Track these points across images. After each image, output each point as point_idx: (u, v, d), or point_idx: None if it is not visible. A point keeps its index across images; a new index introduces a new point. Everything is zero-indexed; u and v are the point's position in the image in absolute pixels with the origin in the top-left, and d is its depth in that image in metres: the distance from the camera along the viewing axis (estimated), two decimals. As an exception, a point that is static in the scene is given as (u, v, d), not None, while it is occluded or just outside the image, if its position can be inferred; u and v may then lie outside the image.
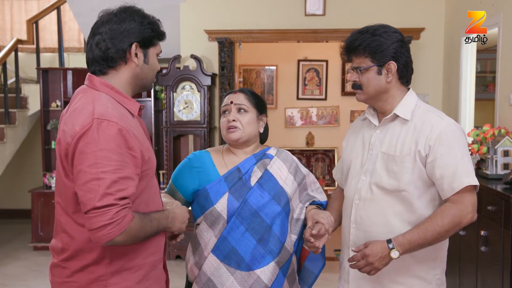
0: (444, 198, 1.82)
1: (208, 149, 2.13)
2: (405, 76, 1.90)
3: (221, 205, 1.95)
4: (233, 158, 2.05)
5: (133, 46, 1.66)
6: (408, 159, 1.82)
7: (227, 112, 2.03)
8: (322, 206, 2.09)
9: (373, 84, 1.87)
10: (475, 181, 1.79)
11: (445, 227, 1.76)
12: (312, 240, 1.86)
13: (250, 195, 1.95)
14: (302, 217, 2.04)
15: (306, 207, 2.06)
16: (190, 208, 2.05)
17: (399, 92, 1.91)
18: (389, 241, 1.77)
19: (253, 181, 1.98)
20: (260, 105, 2.08)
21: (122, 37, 1.65)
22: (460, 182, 1.77)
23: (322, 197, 2.11)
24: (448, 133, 1.81)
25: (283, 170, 2.03)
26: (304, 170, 2.12)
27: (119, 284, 1.64)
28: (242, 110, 2.02)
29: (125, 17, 1.67)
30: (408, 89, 1.94)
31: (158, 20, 1.75)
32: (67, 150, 1.57)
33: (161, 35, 1.75)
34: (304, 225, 2.03)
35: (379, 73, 1.86)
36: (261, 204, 1.94)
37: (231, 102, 2.02)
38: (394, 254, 1.76)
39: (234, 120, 2.00)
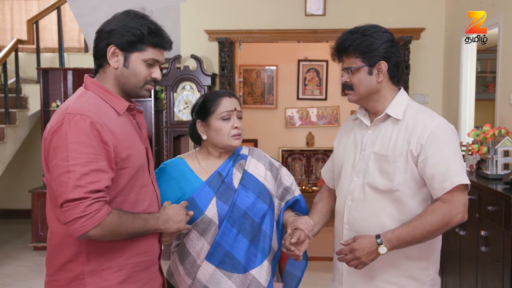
0: (435, 197, 1.81)
1: (180, 155, 2.09)
2: (396, 76, 1.90)
3: (211, 211, 1.92)
4: (211, 163, 2.03)
5: (110, 47, 1.66)
6: (401, 159, 1.82)
7: (229, 118, 1.99)
8: (297, 202, 2.09)
9: (364, 85, 1.87)
10: (465, 180, 1.78)
11: (434, 226, 1.76)
12: (293, 248, 1.87)
13: (237, 197, 1.94)
14: (281, 220, 2.05)
15: (284, 211, 2.06)
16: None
17: (391, 92, 1.91)
18: (377, 236, 1.78)
19: (236, 183, 1.98)
20: None
21: (104, 38, 1.67)
22: (451, 181, 1.77)
23: (297, 192, 2.12)
24: (439, 132, 1.81)
25: (260, 168, 2.04)
26: (277, 163, 2.13)
27: (97, 284, 1.62)
28: (240, 117, 2.03)
29: (115, 18, 1.69)
30: (399, 89, 1.93)
31: (156, 26, 1.70)
32: (45, 145, 1.60)
33: (152, 42, 1.68)
34: (284, 231, 2.03)
35: (370, 73, 1.86)
36: (248, 204, 1.94)
37: (235, 109, 2.00)
38: (382, 249, 1.77)
39: (239, 128, 1.99)
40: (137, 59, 1.68)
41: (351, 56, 1.86)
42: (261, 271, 1.92)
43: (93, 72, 1.75)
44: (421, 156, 1.80)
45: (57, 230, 1.64)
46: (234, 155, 2.05)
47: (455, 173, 1.77)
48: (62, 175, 1.51)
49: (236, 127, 1.98)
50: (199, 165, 2.02)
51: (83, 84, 1.72)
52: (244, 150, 2.09)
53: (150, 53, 1.69)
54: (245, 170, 2.01)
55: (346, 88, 1.92)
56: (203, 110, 2.01)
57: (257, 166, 2.04)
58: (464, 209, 1.79)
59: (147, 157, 1.78)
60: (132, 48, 1.67)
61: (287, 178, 2.12)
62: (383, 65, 1.85)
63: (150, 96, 5.51)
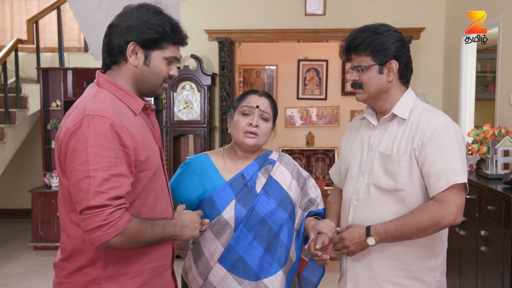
0: (430, 196, 1.79)
1: (206, 152, 2.06)
2: (405, 75, 1.89)
3: (228, 213, 1.88)
4: (236, 163, 1.99)
5: (130, 45, 1.58)
6: (405, 158, 1.81)
7: (248, 114, 1.94)
8: (320, 214, 2.06)
9: (374, 83, 1.85)
10: (461, 179, 1.74)
11: (422, 224, 1.74)
12: (319, 254, 1.85)
13: (257, 203, 1.89)
14: (302, 230, 2.00)
15: (305, 218, 2.02)
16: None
17: (399, 91, 1.89)
18: (368, 228, 1.80)
19: (259, 188, 1.93)
20: (276, 115, 2.02)
21: (122, 34, 1.58)
22: (446, 181, 1.74)
23: (321, 205, 2.07)
24: (441, 131, 1.78)
25: (287, 176, 1.99)
26: (305, 173, 2.08)
27: None
28: (265, 118, 1.95)
29: (133, 13, 1.60)
30: (407, 88, 1.92)
31: (175, 23, 1.65)
32: (61, 147, 1.53)
33: (173, 39, 1.63)
34: (305, 237, 2.00)
35: (381, 72, 1.84)
36: (268, 211, 1.89)
37: (257, 107, 1.94)
38: (371, 241, 1.80)
39: (256, 126, 1.92)
40: (158, 57, 1.62)
41: (361, 54, 1.85)
42: (275, 281, 1.87)
43: (102, 67, 1.68)
44: (421, 154, 1.79)
45: (74, 233, 1.57)
46: (261, 158, 2.00)
47: (452, 173, 1.74)
48: (82, 180, 1.45)
49: (251, 124, 1.92)
50: (224, 164, 1.99)
51: (95, 81, 1.64)
52: (274, 155, 2.03)
53: (170, 51, 1.64)
54: (271, 175, 1.96)
55: (355, 86, 1.89)
56: (233, 103, 2.01)
57: (283, 174, 1.98)
58: (457, 210, 1.74)
59: (161, 157, 1.73)
60: (154, 46, 1.60)
61: (313, 190, 2.07)
62: (394, 64, 1.84)
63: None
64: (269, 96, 2.01)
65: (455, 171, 1.75)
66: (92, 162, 1.45)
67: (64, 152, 1.52)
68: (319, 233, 1.89)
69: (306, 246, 1.92)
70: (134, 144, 1.53)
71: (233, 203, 1.89)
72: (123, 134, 1.50)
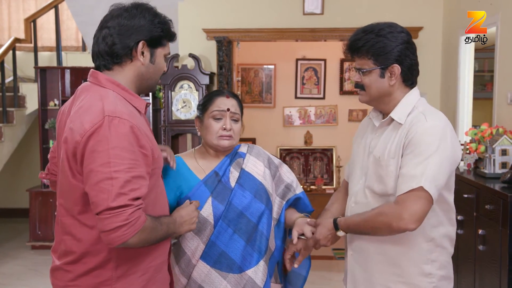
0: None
1: (177, 154, 2.07)
2: (409, 79, 1.84)
3: (206, 211, 1.92)
4: (209, 161, 2.02)
5: (140, 44, 1.61)
6: (393, 163, 1.76)
7: (220, 118, 1.97)
8: (300, 199, 2.09)
9: (375, 87, 1.81)
10: (418, 184, 1.64)
11: (377, 223, 1.72)
12: (296, 266, 1.98)
13: (233, 197, 1.93)
14: (282, 219, 2.04)
15: (286, 209, 2.06)
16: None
17: (402, 94, 1.84)
18: (335, 221, 1.86)
19: (233, 182, 1.97)
20: (242, 112, 2.06)
21: (130, 34, 1.60)
22: (407, 184, 1.67)
23: (298, 189, 2.10)
24: (425, 135, 1.70)
25: (259, 166, 2.02)
26: (277, 161, 2.11)
27: None
28: (235, 119, 1.99)
29: (136, 13, 1.63)
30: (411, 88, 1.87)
31: (170, 20, 1.71)
32: (75, 149, 1.50)
33: (171, 36, 1.70)
34: (287, 230, 2.06)
35: (382, 76, 1.80)
36: (245, 204, 1.93)
37: (228, 109, 1.97)
38: (340, 233, 1.87)
39: (230, 129, 1.97)
40: (161, 54, 1.68)
41: (363, 57, 1.80)
42: (257, 271, 1.91)
43: (96, 68, 1.66)
44: (402, 157, 1.74)
45: (85, 236, 1.57)
46: (232, 154, 2.04)
47: (416, 177, 1.66)
48: (103, 182, 1.44)
49: (225, 129, 1.96)
50: (196, 164, 2.01)
51: (93, 80, 1.63)
52: (243, 148, 2.07)
53: (168, 48, 1.71)
54: (243, 168, 2.00)
55: (358, 88, 1.86)
56: (201, 106, 2.03)
57: (255, 164, 2.02)
58: (410, 217, 1.64)
59: None
60: (158, 43, 1.66)
61: (288, 175, 2.09)
62: (396, 68, 1.79)
63: (148, 95, 5.52)
64: (235, 95, 2.05)
65: (420, 176, 1.66)
66: (114, 163, 1.45)
67: (80, 154, 1.50)
68: (301, 234, 1.95)
69: (286, 247, 1.99)
70: (150, 144, 1.56)
71: (209, 200, 1.93)
72: (141, 136, 1.52)
